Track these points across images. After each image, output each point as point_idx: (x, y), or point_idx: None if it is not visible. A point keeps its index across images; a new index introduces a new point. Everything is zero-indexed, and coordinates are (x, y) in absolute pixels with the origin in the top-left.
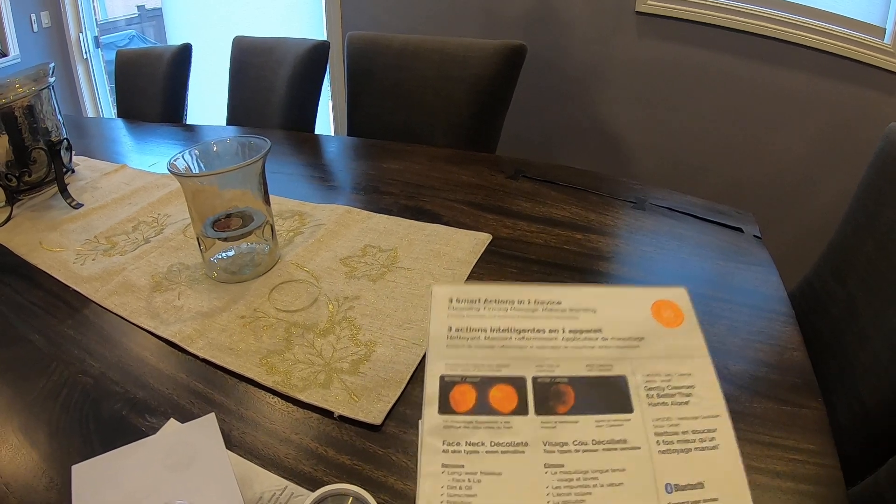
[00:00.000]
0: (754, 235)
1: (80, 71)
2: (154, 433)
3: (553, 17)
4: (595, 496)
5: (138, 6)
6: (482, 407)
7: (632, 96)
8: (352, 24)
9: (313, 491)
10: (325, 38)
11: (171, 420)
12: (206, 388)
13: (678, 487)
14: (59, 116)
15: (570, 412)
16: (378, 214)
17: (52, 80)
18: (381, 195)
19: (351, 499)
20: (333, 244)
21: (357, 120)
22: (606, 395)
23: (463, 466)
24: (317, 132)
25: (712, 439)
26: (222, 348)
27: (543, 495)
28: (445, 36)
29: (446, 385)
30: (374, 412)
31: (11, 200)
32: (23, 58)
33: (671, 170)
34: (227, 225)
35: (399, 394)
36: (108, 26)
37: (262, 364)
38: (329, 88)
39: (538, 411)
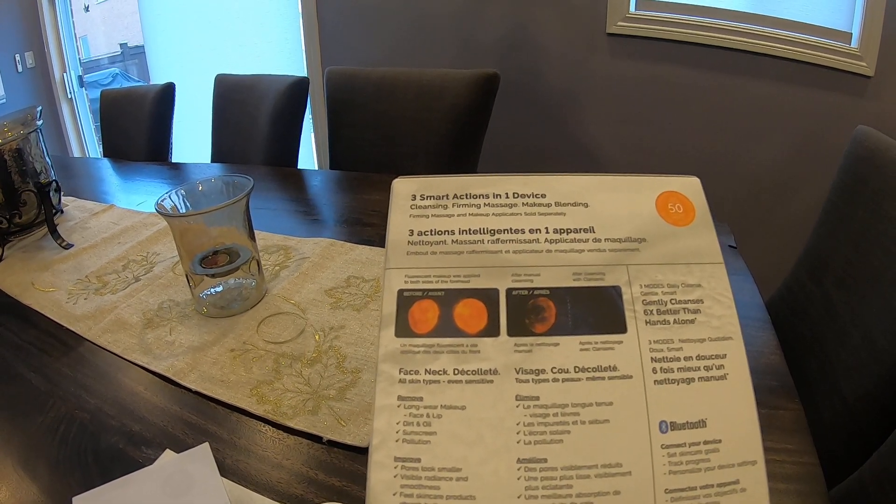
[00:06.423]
0: (729, 245)
1: (65, 110)
2: (151, 464)
3: (527, 43)
4: (574, 435)
5: (121, 44)
6: (445, 327)
7: (608, 116)
8: (331, 58)
9: None
10: (305, 74)
11: (167, 451)
12: (200, 419)
13: (675, 426)
14: (47, 158)
15: (550, 332)
16: (361, 246)
17: (39, 123)
18: (363, 227)
19: None
20: (318, 276)
21: (339, 153)
22: (595, 310)
23: (421, 399)
24: (300, 166)
25: (720, 367)
26: (214, 380)
27: (513, 433)
28: (423, 66)
29: (405, 301)
30: (360, 435)
31: (2, 242)
32: (8, 98)
33: None
34: (214, 262)
35: None
36: (92, 65)
37: (253, 394)
38: (311, 122)
39: (511, 331)
